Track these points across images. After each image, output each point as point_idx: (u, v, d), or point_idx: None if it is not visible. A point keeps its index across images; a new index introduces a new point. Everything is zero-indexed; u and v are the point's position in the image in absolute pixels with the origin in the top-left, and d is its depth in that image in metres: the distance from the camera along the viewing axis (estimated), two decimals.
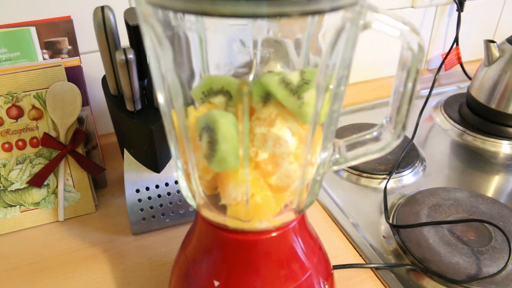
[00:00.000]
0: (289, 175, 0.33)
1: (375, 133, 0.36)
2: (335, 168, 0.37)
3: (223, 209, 0.36)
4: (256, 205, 0.34)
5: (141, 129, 0.56)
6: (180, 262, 0.44)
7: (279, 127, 0.33)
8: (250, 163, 0.33)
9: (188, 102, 0.35)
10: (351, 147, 0.37)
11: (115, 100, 0.59)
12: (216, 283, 0.39)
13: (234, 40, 0.33)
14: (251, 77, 0.36)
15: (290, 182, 0.34)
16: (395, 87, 0.35)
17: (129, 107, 0.55)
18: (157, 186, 0.64)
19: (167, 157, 0.64)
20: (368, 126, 0.90)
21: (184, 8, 0.25)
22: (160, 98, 0.34)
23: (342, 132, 0.89)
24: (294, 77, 0.33)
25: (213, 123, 0.32)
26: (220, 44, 0.34)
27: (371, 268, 0.61)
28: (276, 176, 0.33)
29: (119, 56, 0.48)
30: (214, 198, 0.36)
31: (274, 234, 0.37)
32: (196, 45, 0.33)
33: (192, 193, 0.37)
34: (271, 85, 0.33)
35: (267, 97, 0.34)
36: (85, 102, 0.70)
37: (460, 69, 1.10)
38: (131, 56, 0.49)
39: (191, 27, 0.30)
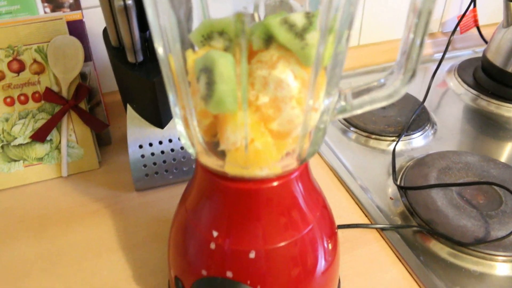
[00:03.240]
0: (291, 120, 0.32)
1: (383, 80, 0.34)
2: (340, 116, 0.36)
3: (222, 156, 0.34)
4: (256, 151, 0.32)
5: (143, 82, 0.55)
6: (180, 214, 0.43)
7: (281, 70, 0.31)
8: (250, 107, 0.31)
9: (186, 46, 0.34)
10: (357, 94, 0.35)
11: (116, 52, 0.57)
12: (215, 234, 0.38)
13: None
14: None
15: (292, 128, 0.32)
16: (405, 31, 0.33)
17: (130, 58, 0.54)
18: (160, 142, 0.63)
19: (170, 112, 0.63)
20: None
21: None
22: (157, 42, 0.32)
23: None
24: (297, 18, 0.31)
25: (211, 63, 0.30)
26: None
27: (376, 228, 0.60)
28: (277, 122, 0.32)
29: (118, 2, 0.47)
30: (213, 145, 0.35)
31: (274, 183, 0.36)
32: None
33: (191, 140, 0.36)
34: (273, 26, 0.31)
35: (269, 39, 0.32)
36: (88, 57, 0.68)
37: (477, 32, 1.06)
38: (129, 1, 0.47)
39: None
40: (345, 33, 0.31)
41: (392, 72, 0.34)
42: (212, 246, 0.39)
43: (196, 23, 0.35)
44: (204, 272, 0.40)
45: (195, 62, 0.32)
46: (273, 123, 0.32)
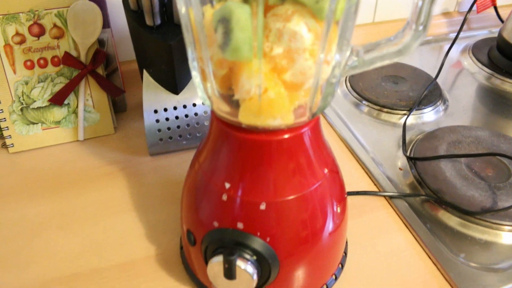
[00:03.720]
0: (304, 71, 0.33)
1: (393, 38, 0.35)
2: (351, 72, 0.36)
3: (237, 106, 0.35)
4: (269, 100, 0.33)
5: (160, 45, 0.56)
6: (193, 169, 0.45)
7: (295, 22, 0.32)
8: (265, 58, 0.33)
9: (206, 1, 0.35)
10: (369, 50, 0.36)
11: (135, 15, 0.59)
12: (227, 185, 0.40)
13: None
14: None
15: (304, 79, 0.33)
16: None
17: (149, 21, 0.55)
18: (175, 108, 0.65)
19: (186, 78, 0.64)
20: (391, 65, 0.88)
21: None
22: None
23: (367, 72, 0.87)
24: None
25: (228, 14, 0.31)
26: None
27: (385, 196, 0.61)
28: (290, 72, 0.33)
29: None
30: (228, 98, 0.36)
31: (286, 135, 0.37)
32: None
33: (207, 93, 0.37)
34: None
35: None
36: (106, 24, 0.69)
37: (493, 12, 1.06)
38: None
39: None
40: None
41: (404, 28, 0.35)
42: (224, 197, 0.40)
43: None
44: (215, 224, 0.42)
45: (214, 13, 0.33)
46: (286, 73, 0.33)
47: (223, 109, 0.36)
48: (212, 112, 0.40)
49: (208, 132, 0.43)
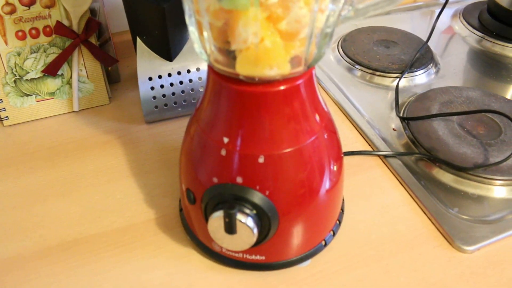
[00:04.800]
0: (299, 20, 0.33)
1: None
2: (345, 22, 0.37)
3: (233, 59, 0.36)
4: (266, 50, 0.34)
5: (153, 9, 0.56)
6: (191, 127, 0.45)
7: None
8: (261, 7, 0.33)
9: None
10: (363, 0, 0.36)
11: None
12: (226, 140, 0.40)
13: None
14: None
15: (299, 27, 0.34)
16: None
17: None
18: (169, 75, 0.65)
19: (179, 45, 0.64)
20: (383, 29, 0.89)
21: None
22: None
23: (357, 34, 0.88)
24: None
25: None
26: None
27: (379, 155, 0.62)
28: (286, 21, 0.33)
29: None
30: (225, 51, 0.36)
31: (282, 87, 0.38)
32: None
33: (204, 47, 0.38)
34: None
35: None
36: None
37: None
38: None
39: None
40: None
41: None
42: (223, 152, 0.41)
43: None
44: (215, 180, 0.42)
45: None
46: (281, 22, 0.33)
47: (220, 61, 0.37)
48: (209, 67, 0.40)
49: (204, 89, 0.43)
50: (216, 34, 0.36)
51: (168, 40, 0.61)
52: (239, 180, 0.41)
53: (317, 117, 0.42)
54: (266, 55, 0.34)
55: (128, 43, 0.83)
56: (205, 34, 0.36)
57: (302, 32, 0.34)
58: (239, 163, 0.40)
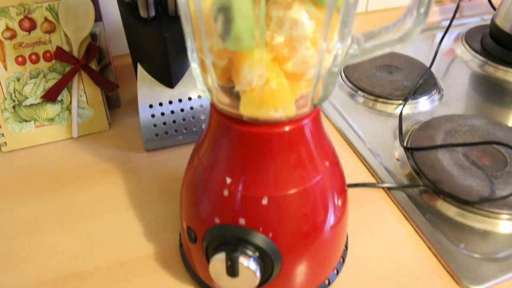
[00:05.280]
0: (305, 60, 0.32)
1: (393, 25, 0.35)
2: (352, 61, 0.36)
3: (237, 99, 0.35)
4: (271, 91, 0.33)
5: (154, 37, 0.55)
6: (193, 164, 0.44)
7: (296, 10, 0.31)
8: (266, 48, 0.32)
9: None
10: (369, 37, 0.35)
11: (128, 7, 0.58)
12: (229, 180, 0.39)
13: None
14: None
15: (306, 68, 0.33)
16: None
17: (143, 13, 0.54)
18: (170, 102, 0.64)
19: (180, 72, 0.63)
20: (386, 54, 0.88)
21: None
22: None
23: (361, 63, 0.87)
24: None
25: (229, 2, 0.30)
26: None
27: (383, 188, 0.61)
28: (292, 62, 0.32)
29: None
30: (228, 90, 0.35)
31: (287, 128, 0.37)
32: None
33: (207, 85, 0.37)
34: None
35: None
36: (98, 17, 0.68)
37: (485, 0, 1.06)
38: None
39: None
40: None
41: (405, 15, 0.34)
42: (226, 193, 0.40)
43: None
44: (217, 220, 0.41)
45: (213, 1, 0.32)
46: (287, 63, 0.32)
47: (223, 101, 0.36)
48: (212, 105, 0.39)
49: (207, 125, 0.42)
50: (220, 73, 0.35)
51: (169, 68, 0.60)
52: (241, 221, 0.40)
53: (323, 156, 0.41)
54: (271, 97, 0.33)
55: (129, 66, 0.82)
56: (208, 72, 0.35)
57: (309, 72, 0.33)
58: (242, 204, 0.39)
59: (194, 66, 0.37)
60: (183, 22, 0.35)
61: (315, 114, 0.39)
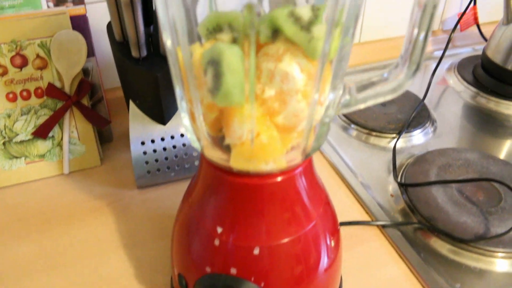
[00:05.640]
0: (296, 114, 0.32)
1: (387, 74, 0.35)
2: (344, 110, 0.36)
3: (227, 150, 0.34)
4: (262, 145, 0.32)
5: (146, 77, 0.55)
6: (184, 210, 0.43)
7: (287, 63, 0.31)
8: (256, 101, 0.32)
9: (194, 39, 0.34)
10: (362, 88, 0.35)
11: (120, 47, 0.58)
12: (219, 230, 0.39)
13: None
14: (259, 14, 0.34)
15: (297, 121, 0.33)
16: (410, 25, 0.33)
17: (134, 53, 0.54)
18: (162, 139, 0.63)
19: (173, 108, 0.63)
20: None
21: None
22: (165, 35, 0.32)
23: None
24: (303, 11, 0.31)
25: (218, 56, 0.30)
26: None
27: (377, 225, 0.60)
28: (283, 115, 0.32)
29: None
30: (219, 140, 0.35)
31: (279, 178, 0.36)
32: None
33: (197, 135, 0.36)
34: (280, 19, 0.31)
35: (275, 33, 0.32)
36: (91, 52, 0.68)
37: (477, 30, 1.07)
38: None
39: None
40: (351, 26, 0.32)
41: (397, 65, 0.34)
42: (217, 242, 0.39)
43: (203, 15, 0.35)
44: (208, 269, 0.40)
45: (203, 54, 0.32)
46: (278, 116, 0.32)
47: (213, 154, 0.35)
48: (202, 154, 0.39)
49: (197, 172, 0.41)
50: (210, 124, 0.35)
51: (161, 106, 0.59)
52: (233, 271, 0.39)
53: (316, 203, 0.41)
54: (262, 150, 0.33)
55: (121, 99, 0.81)
56: (198, 122, 0.35)
57: (300, 125, 0.33)
58: (233, 254, 0.38)
59: (183, 115, 0.37)
60: (171, 70, 0.35)
61: (308, 163, 0.38)
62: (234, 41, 0.33)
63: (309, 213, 0.40)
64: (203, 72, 0.32)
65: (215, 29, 0.33)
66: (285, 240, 0.38)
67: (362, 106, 0.35)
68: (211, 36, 0.34)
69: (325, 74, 0.32)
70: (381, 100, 0.35)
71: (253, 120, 0.31)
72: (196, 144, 0.37)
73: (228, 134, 0.33)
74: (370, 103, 0.35)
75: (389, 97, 0.34)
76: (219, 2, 0.35)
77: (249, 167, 0.34)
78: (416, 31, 0.32)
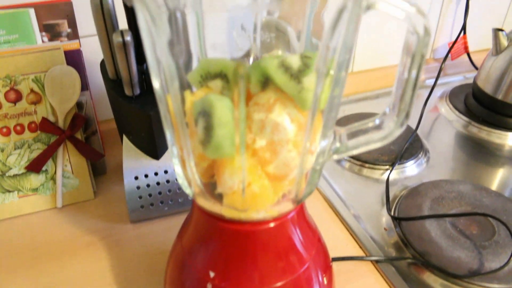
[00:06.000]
0: (287, 163, 0.32)
1: (377, 121, 0.35)
2: (335, 157, 0.36)
3: (219, 198, 0.35)
4: (253, 194, 0.33)
5: (139, 115, 0.55)
6: (176, 251, 0.43)
7: (277, 113, 0.32)
8: (247, 150, 0.32)
9: (184, 87, 0.34)
10: (352, 135, 0.36)
11: (113, 84, 0.58)
12: (212, 274, 0.38)
13: (233, 21, 0.31)
14: (250, 60, 0.35)
15: (288, 170, 0.33)
16: (399, 73, 0.34)
17: (128, 91, 0.54)
18: (156, 174, 0.63)
19: (166, 144, 0.63)
20: (372, 116, 0.89)
21: None
22: (155, 82, 0.32)
23: (345, 122, 0.88)
24: (294, 61, 0.31)
25: (209, 108, 0.31)
26: (219, 26, 0.33)
27: (371, 261, 0.60)
28: (274, 165, 0.32)
29: (117, 38, 0.47)
30: (211, 186, 0.35)
31: (271, 224, 0.36)
32: (193, 26, 0.31)
33: (188, 181, 0.36)
34: (270, 69, 0.32)
35: (266, 81, 0.33)
36: (85, 86, 0.68)
37: (467, 58, 1.08)
38: (128, 38, 0.47)
39: (187, 4, 0.29)
40: (342, 77, 0.32)
41: (385, 113, 0.35)
42: (209, 287, 0.39)
43: (193, 63, 0.35)
44: None
45: (194, 104, 0.32)
46: (269, 166, 0.32)
47: (205, 203, 0.35)
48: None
49: (190, 214, 0.41)
50: (202, 172, 0.35)
51: (155, 142, 0.60)
52: None
53: (308, 245, 0.41)
54: (254, 200, 0.33)
55: (115, 131, 0.81)
56: (189, 169, 0.35)
57: (291, 174, 0.33)
58: None
59: (175, 161, 0.37)
60: (162, 119, 0.35)
61: (299, 207, 0.38)
62: (225, 89, 0.33)
63: (302, 256, 0.40)
64: (194, 122, 0.32)
65: (207, 76, 0.34)
66: (279, 284, 0.38)
67: (353, 153, 0.36)
68: (203, 83, 0.34)
69: (316, 123, 0.32)
70: (371, 147, 0.35)
71: (244, 171, 0.31)
72: (187, 190, 0.37)
73: (220, 184, 0.33)
74: (361, 150, 0.35)
75: (379, 145, 0.35)
76: (209, 52, 0.36)
77: (241, 216, 0.34)
78: (404, 80, 0.32)
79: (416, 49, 0.31)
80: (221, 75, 0.33)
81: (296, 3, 0.31)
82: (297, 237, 0.39)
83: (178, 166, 0.36)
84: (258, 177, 0.32)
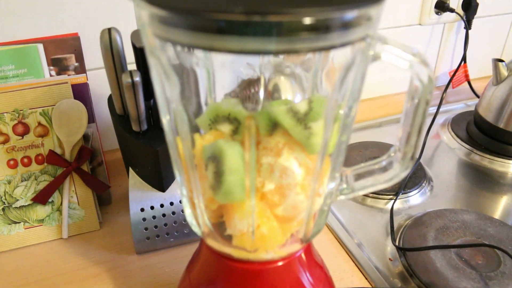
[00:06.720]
0: (296, 206, 0.33)
1: (383, 163, 0.36)
2: (342, 197, 0.37)
3: (228, 238, 0.35)
4: (262, 236, 0.33)
5: (146, 150, 0.56)
6: (185, 284, 0.43)
7: (286, 158, 0.32)
8: (257, 194, 0.33)
9: (194, 130, 0.35)
10: (359, 176, 0.36)
11: (121, 119, 0.59)
12: None
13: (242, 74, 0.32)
14: (258, 107, 0.36)
15: (297, 213, 0.33)
16: (404, 117, 0.34)
17: (135, 127, 0.55)
18: (161, 205, 0.64)
19: (172, 176, 0.64)
20: (375, 145, 0.90)
21: (192, 43, 0.24)
22: (166, 127, 0.33)
23: (349, 151, 0.88)
24: (302, 107, 0.32)
25: (219, 154, 0.31)
26: (228, 79, 0.33)
27: None
28: (282, 207, 0.33)
29: (126, 79, 0.48)
30: (220, 226, 0.36)
31: (280, 263, 0.37)
32: (203, 80, 0.32)
33: (197, 220, 0.37)
34: (279, 115, 0.32)
35: (274, 126, 0.33)
36: (91, 119, 0.69)
37: (468, 86, 1.10)
38: (137, 79, 0.49)
39: (199, 61, 0.30)
40: (349, 123, 0.33)
41: (390, 155, 0.35)
42: None
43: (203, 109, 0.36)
44: None
45: (204, 149, 0.33)
46: (278, 208, 0.33)
47: (214, 243, 0.36)
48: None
49: (198, 250, 0.42)
50: (210, 213, 0.35)
51: (161, 175, 0.60)
52: None
53: (317, 281, 0.41)
54: (263, 241, 0.33)
55: (121, 161, 0.82)
56: (198, 210, 0.36)
57: (300, 216, 0.34)
58: None
59: (184, 200, 0.37)
60: (173, 162, 0.35)
61: (307, 245, 0.39)
62: (234, 131, 0.34)
63: None
64: (204, 166, 0.33)
65: (216, 120, 0.35)
66: None
67: (359, 193, 0.36)
68: (212, 127, 0.35)
69: (324, 167, 0.33)
70: (377, 188, 0.36)
71: (254, 214, 0.32)
72: (196, 229, 0.37)
73: (229, 226, 0.33)
74: (367, 191, 0.36)
75: (385, 186, 0.35)
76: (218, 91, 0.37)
77: (250, 256, 0.35)
78: (409, 125, 0.33)
79: (421, 95, 0.32)
80: (230, 119, 0.34)
81: (305, 62, 0.32)
82: (305, 276, 0.39)
83: (187, 206, 0.37)
84: (267, 219, 0.33)
